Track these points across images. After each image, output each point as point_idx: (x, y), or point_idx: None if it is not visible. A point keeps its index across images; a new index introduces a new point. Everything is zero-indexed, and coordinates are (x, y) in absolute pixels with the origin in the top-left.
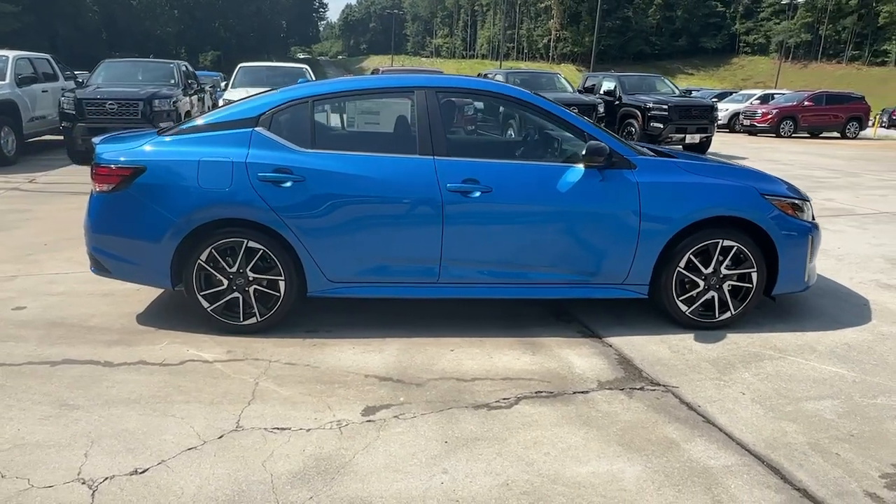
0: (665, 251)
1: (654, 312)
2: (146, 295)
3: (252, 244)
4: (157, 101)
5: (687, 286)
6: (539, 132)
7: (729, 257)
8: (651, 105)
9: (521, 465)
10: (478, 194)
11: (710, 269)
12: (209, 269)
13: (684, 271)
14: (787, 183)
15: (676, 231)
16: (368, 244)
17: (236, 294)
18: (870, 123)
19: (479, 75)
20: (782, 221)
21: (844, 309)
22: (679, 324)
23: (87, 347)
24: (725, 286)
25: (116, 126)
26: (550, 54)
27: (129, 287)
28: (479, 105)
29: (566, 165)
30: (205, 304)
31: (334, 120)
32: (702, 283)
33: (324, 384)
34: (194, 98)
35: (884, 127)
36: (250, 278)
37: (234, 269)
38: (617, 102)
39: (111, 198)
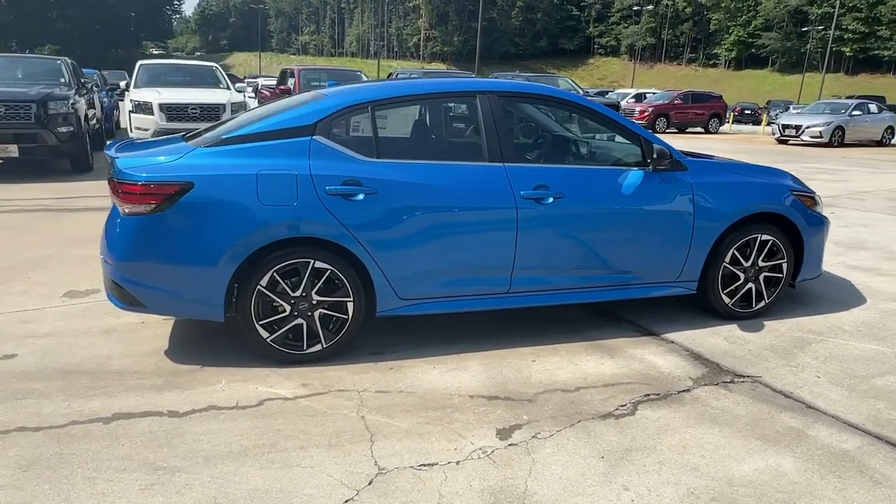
0: (714, 247)
1: (687, 307)
2: (156, 328)
3: (319, 264)
4: (52, 104)
5: (727, 279)
6: (594, 137)
7: (766, 251)
8: None
9: (688, 471)
10: (550, 200)
11: (749, 263)
12: (270, 294)
13: (728, 265)
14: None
15: (726, 227)
16: (442, 257)
17: (300, 320)
18: (727, 119)
19: (389, 76)
20: (807, 215)
21: (840, 291)
22: (719, 316)
23: (133, 397)
24: (761, 277)
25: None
26: (421, 53)
27: (129, 320)
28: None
29: (627, 169)
30: (264, 334)
31: (390, 126)
32: (742, 276)
33: (435, 410)
34: (89, 99)
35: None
36: (314, 301)
37: (297, 293)
38: None
39: (149, 220)
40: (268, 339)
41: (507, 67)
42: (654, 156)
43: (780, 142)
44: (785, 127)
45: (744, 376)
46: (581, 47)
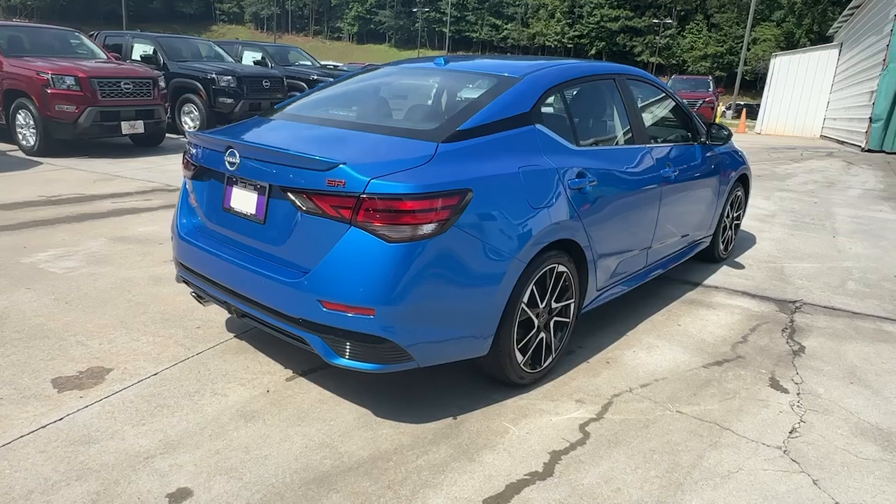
0: (726, 202)
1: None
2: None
3: (560, 268)
4: None
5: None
6: (664, 117)
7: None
8: (215, 76)
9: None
10: (674, 176)
11: (736, 212)
12: (527, 310)
13: (726, 219)
14: None
15: (731, 187)
16: (624, 241)
17: (542, 334)
18: None
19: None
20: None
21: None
22: (714, 260)
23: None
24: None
25: None
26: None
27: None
28: None
29: (693, 144)
30: (519, 357)
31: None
32: (730, 220)
33: (708, 385)
34: None
35: None
36: (551, 310)
37: (542, 305)
38: (164, 72)
39: (428, 245)
40: (521, 363)
41: (112, 28)
42: (706, 133)
43: None
44: None
45: (796, 301)
46: (201, 12)
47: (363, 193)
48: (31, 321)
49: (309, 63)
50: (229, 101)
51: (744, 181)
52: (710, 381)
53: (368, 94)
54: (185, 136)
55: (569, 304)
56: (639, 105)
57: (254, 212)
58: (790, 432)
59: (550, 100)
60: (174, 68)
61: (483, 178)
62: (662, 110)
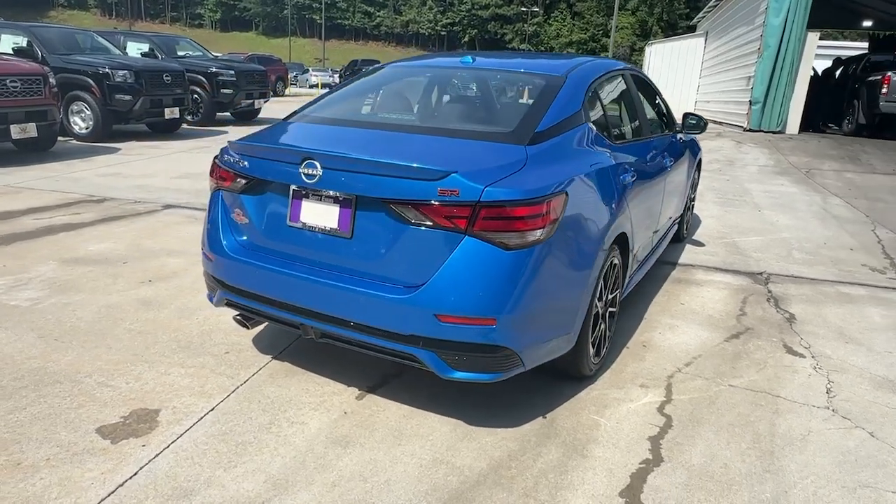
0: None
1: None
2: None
3: (615, 260)
4: None
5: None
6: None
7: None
8: (110, 71)
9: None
10: (669, 164)
11: (692, 195)
12: (597, 305)
13: (690, 201)
14: None
15: (695, 170)
16: (647, 228)
17: (602, 325)
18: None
19: None
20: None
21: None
22: (679, 240)
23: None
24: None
25: None
26: None
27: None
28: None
29: (673, 134)
30: (591, 350)
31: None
32: (689, 204)
33: (720, 356)
34: None
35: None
36: (607, 300)
37: (605, 297)
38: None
39: (539, 250)
40: (591, 356)
41: None
42: (681, 124)
43: None
44: None
45: (762, 273)
46: None
47: (479, 202)
48: (26, 365)
49: (201, 54)
50: (127, 97)
51: (699, 165)
52: (740, 354)
53: (411, 95)
54: (75, 140)
55: (616, 294)
56: (641, 98)
57: (335, 226)
58: (827, 393)
59: (590, 97)
60: (56, 62)
61: (571, 179)
62: (652, 102)
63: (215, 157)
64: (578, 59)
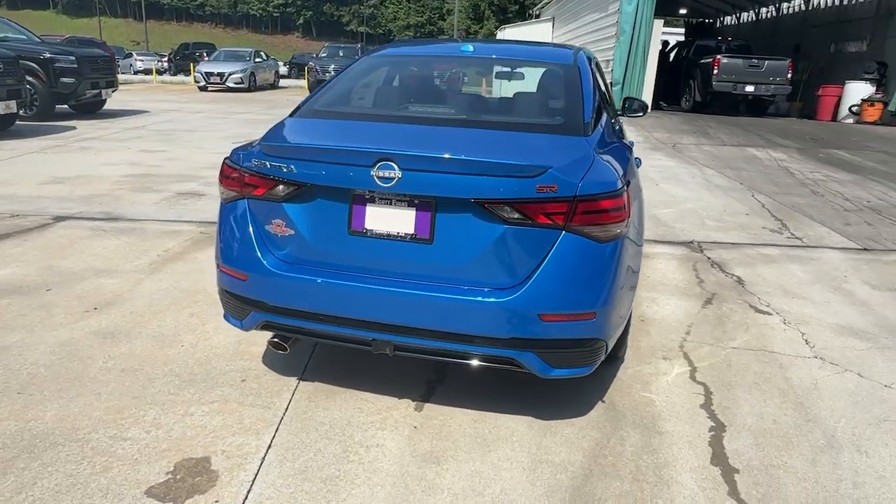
0: None
1: None
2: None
3: None
4: None
5: None
6: None
7: None
8: (54, 56)
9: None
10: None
11: None
12: None
13: None
14: None
15: None
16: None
17: None
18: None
19: None
20: None
21: None
22: None
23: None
24: None
25: None
26: None
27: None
28: None
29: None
30: None
31: None
32: None
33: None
34: None
35: None
36: None
37: None
38: None
39: (624, 240)
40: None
41: None
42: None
43: (202, 89)
44: (209, 75)
45: (692, 241)
46: None
47: (576, 196)
48: (4, 428)
49: (26, 38)
50: (71, 81)
51: None
52: (722, 319)
53: (432, 86)
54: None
55: None
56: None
57: (411, 231)
58: (807, 344)
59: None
60: None
61: (625, 168)
62: (607, 86)
63: (230, 161)
64: (562, 47)
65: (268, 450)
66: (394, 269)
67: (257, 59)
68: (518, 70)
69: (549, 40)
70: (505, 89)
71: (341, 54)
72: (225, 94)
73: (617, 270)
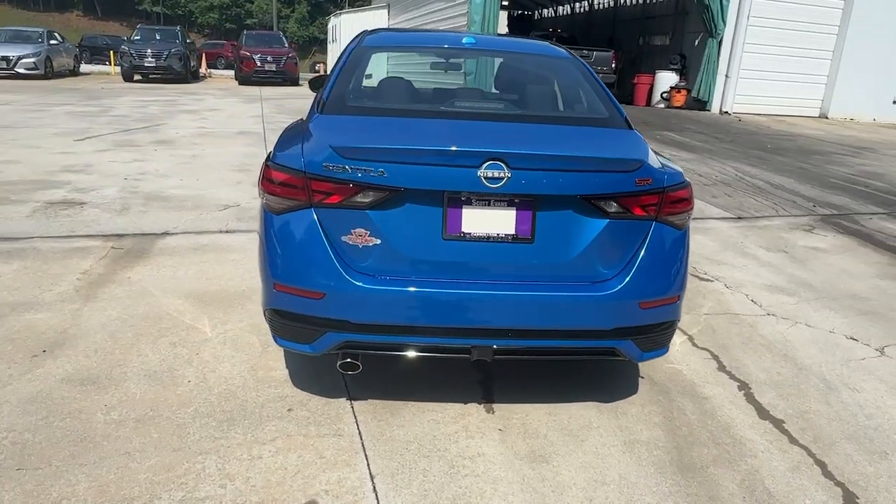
0: None
1: None
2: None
3: None
4: None
5: None
6: None
7: None
8: None
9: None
10: None
11: None
12: None
13: None
14: None
15: None
16: None
17: None
18: None
19: None
20: None
21: None
22: None
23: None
24: None
25: None
26: None
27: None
28: None
29: None
30: None
31: None
32: None
33: None
34: None
35: None
36: None
37: None
38: None
39: (689, 227)
40: None
41: None
42: None
43: None
44: None
45: None
46: None
47: (665, 188)
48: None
49: None
50: None
51: None
52: None
53: (456, 80)
54: None
55: None
56: None
57: (512, 231)
58: (754, 303)
59: None
60: None
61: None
62: None
63: (278, 164)
64: (548, 44)
65: (373, 480)
66: (493, 272)
67: (52, 42)
68: (536, 64)
69: (384, 26)
70: (510, 81)
71: (158, 37)
72: (17, 82)
73: (686, 256)
